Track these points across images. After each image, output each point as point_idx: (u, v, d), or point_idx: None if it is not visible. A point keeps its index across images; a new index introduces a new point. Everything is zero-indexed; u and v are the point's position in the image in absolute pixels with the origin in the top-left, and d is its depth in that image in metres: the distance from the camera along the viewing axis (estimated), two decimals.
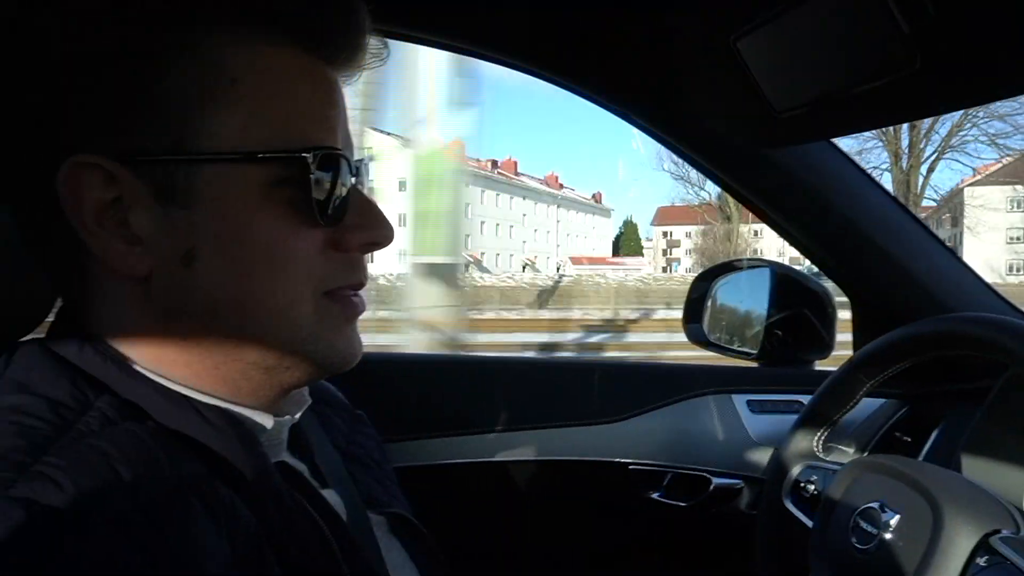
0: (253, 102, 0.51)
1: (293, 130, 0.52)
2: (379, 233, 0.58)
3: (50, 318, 0.61)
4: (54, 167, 0.49)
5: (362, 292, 0.61)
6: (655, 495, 1.33)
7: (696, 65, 0.88)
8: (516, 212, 51.96)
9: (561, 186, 58.41)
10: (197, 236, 0.51)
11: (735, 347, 1.52)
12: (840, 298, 1.40)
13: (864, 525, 0.85)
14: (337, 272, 0.56)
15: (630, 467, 1.32)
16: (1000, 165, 29.75)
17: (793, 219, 1.22)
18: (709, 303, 1.56)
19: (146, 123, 0.49)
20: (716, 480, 1.31)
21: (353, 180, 0.57)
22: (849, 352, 1.41)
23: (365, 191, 0.60)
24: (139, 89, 0.49)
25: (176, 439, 0.50)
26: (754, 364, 1.49)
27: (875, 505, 0.86)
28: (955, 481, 0.83)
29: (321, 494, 0.62)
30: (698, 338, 1.56)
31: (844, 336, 1.42)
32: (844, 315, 1.42)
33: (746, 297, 1.55)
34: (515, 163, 54.52)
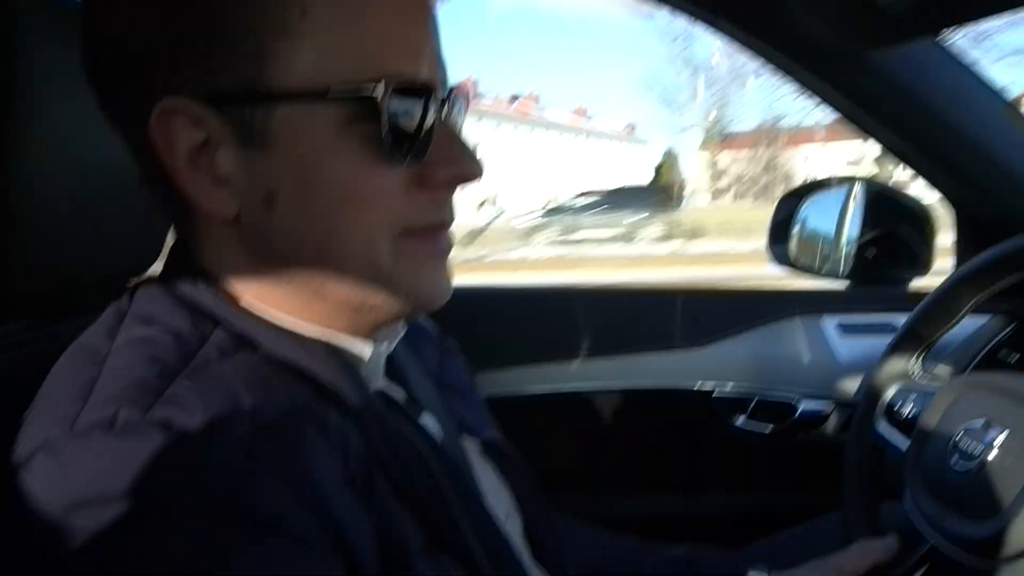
0: (325, 33, 0.49)
1: (369, 61, 0.50)
2: (465, 167, 0.55)
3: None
4: (147, 111, 0.49)
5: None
6: (739, 421, 1.30)
7: None
8: (537, 147, 49.65)
9: (588, 118, 55.46)
10: (275, 178, 0.51)
11: (824, 269, 1.45)
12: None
13: (966, 444, 0.81)
14: (419, 211, 0.54)
15: (714, 394, 1.30)
16: None
17: (894, 125, 1.13)
18: (796, 223, 1.49)
19: (224, 62, 0.49)
20: (802, 405, 1.28)
21: (444, 111, 0.55)
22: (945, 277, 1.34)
23: (457, 123, 0.57)
24: (218, 27, 0.48)
25: (285, 369, 0.52)
26: (844, 286, 1.42)
27: (979, 423, 0.81)
28: None
29: (419, 420, 0.63)
30: (783, 260, 1.50)
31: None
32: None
33: (836, 216, 1.47)
34: (536, 97, 51.93)
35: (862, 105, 1.12)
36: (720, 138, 33.29)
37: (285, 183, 0.51)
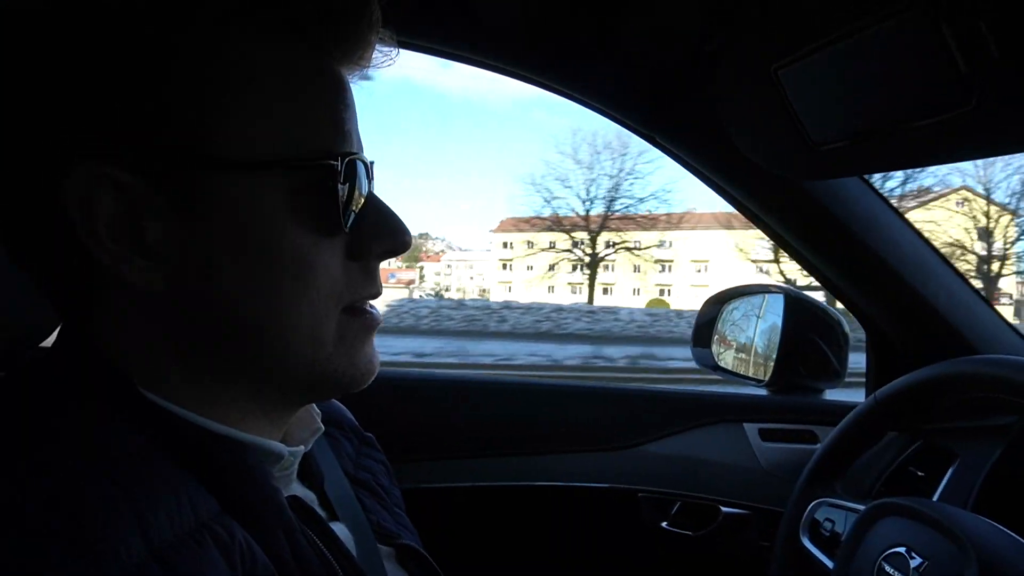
0: (271, 104, 0.49)
1: (313, 133, 0.50)
2: (398, 240, 0.56)
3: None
4: (61, 178, 0.46)
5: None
6: (663, 523, 1.30)
7: (733, 92, 0.85)
8: None
9: None
10: (217, 247, 0.48)
11: (745, 373, 1.50)
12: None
13: (890, 570, 0.83)
14: (356, 284, 0.54)
15: (639, 494, 1.30)
16: None
17: (815, 248, 1.20)
18: (718, 327, 1.55)
19: (160, 129, 0.46)
20: (725, 509, 1.29)
21: (369, 185, 0.55)
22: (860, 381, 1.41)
23: (377, 195, 0.58)
24: (152, 93, 0.46)
25: (190, 473, 0.47)
26: (763, 391, 1.47)
27: (901, 550, 0.83)
28: (987, 528, 0.81)
29: (331, 528, 0.59)
30: (706, 362, 1.54)
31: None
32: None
33: (756, 322, 1.53)
34: None
35: (787, 227, 1.19)
36: None
37: (229, 252, 0.48)
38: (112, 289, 0.49)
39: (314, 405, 0.64)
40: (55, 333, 0.68)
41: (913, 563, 0.81)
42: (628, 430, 1.32)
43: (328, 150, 0.50)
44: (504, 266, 49.77)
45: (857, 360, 1.40)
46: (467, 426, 1.30)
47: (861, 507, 0.98)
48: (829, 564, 0.96)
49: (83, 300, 0.51)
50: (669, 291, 42.46)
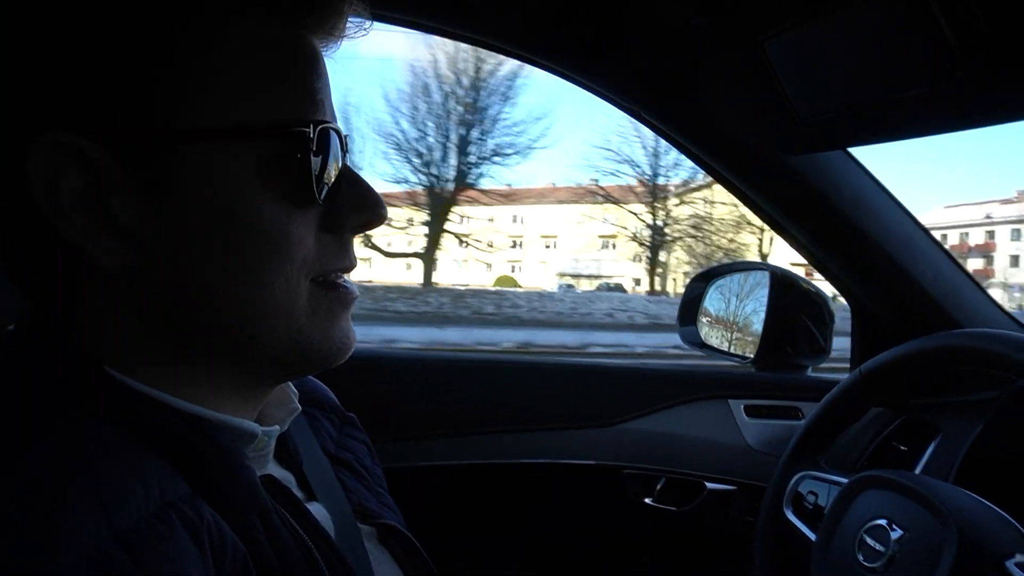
0: (241, 76, 0.48)
1: (284, 104, 0.49)
2: (373, 212, 0.55)
3: None
4: (26, 147, 0.45)
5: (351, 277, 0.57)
6: (648, 500, 1.31)
7: (719, 65, 0.85)
8: None
9: None
10: (189, 223, 0.47)
11: (731, 350, 1.50)
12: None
13: (871, 542, 0.84)
14: (329, 256, 0.53)
15: (624, 471, 1.30)
16: None
17: (800, 224, 1.20)
18: (705, 305, 1.55)
19: (128, 101, 0.46)
20: (710, 485, 1.30)
21: (346, 156, 0.55)
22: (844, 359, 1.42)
23: (353, 167, 0.57)
24: (119, 64, 0.45)
25: (159, 454, 0.46)
26: (750, 368, 1.47)
27: (882, 522, 0.84)
28: (966, 500, 0.82)
29: (308, 509, 0.59)
30: (693, 340, 1.54)
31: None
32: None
33: (742, 300, 1.53)
34: None
35: (772, 203, 1.19)
36: None
37: (201, 227, 0.47)
38: (82, 269, 0.48)
39: (291, 385, 0.63)
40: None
41: (894, 534, 0.82)
42: (613, 407, 1.32)
43: (299, 119, 0.49)
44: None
45: (840, 344, 1.41)
46: (450, 405, 1.30)
47: (844, 480, 0.99)
48: (812, 536, 0.97)
49: (53, 282, 0.50)
50: (519, 267, 41.01)
